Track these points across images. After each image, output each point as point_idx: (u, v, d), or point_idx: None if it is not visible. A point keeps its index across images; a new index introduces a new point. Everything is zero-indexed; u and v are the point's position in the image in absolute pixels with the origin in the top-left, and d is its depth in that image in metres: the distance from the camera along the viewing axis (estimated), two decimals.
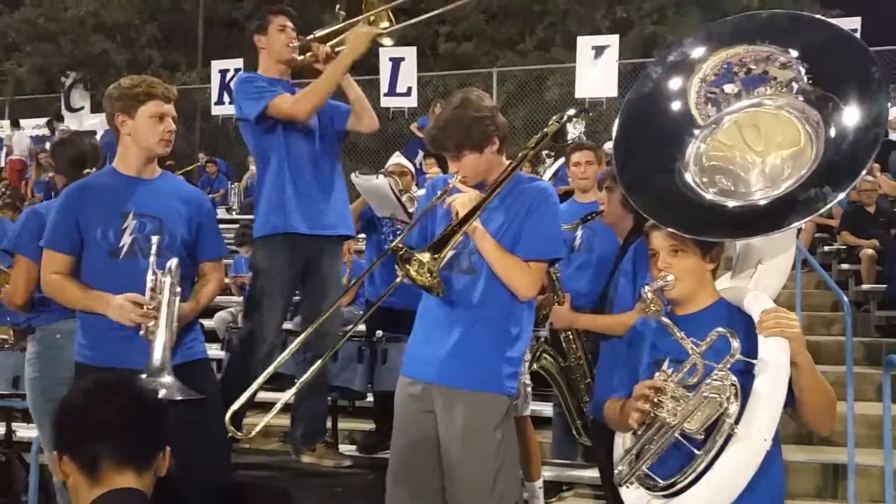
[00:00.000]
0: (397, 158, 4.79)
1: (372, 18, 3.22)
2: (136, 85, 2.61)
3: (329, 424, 4.02)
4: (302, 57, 3.24)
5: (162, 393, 2.35)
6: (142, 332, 2.50)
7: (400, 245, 2.35)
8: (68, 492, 1.46)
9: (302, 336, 2.61)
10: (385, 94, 11.22)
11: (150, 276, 2.51)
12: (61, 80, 15.46)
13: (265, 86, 3.12)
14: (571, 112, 2.84)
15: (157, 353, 2.44)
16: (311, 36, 3.27)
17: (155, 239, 2.55)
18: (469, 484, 2.43)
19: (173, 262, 2.53)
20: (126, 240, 2.58)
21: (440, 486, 2.48)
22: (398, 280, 2.45)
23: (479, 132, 2.50)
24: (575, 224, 3.31)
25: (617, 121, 2.27)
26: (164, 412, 1.53)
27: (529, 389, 3.41)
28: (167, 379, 2.43)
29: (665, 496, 1.86)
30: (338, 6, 3.43)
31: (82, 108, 14.86)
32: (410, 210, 3.69)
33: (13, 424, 4.52)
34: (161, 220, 2.62)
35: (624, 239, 2.89)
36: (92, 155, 3.36)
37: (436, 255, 2.29)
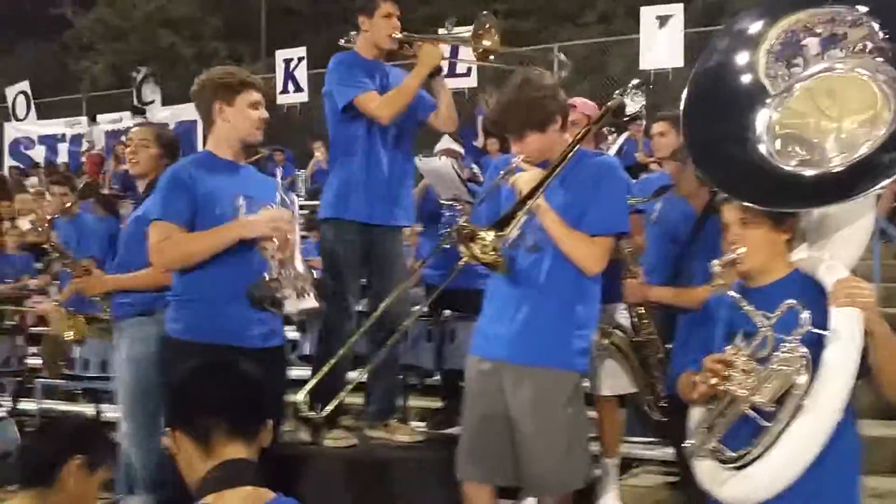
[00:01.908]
0: (446, 143, 4.83)
1: (481, 32, 3.24)
2: (231, 74, 2.72)
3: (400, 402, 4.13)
4: (400, 49, 3.30)
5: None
6: (266, 251, 2.53)
7: (464, 225, 2.39)
8: (179, 465, 1.55)
9: (373, 317, 2.72)
10: (445, 76, 11.17)
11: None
12: (132, 75, 16.00)
13: (359, 75, 3.20)
14: (632, 84, 2.82)
15: (299, 264, 2.53)
16: (418, 35, 3.31)
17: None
18: (540, 459, 2.47)
19: (296, 198, 2.70)
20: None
21: (513, 461, 2.53)
22: (463, 260, 2.49)
23: (540, 112, 2.51)
24: (647, 198, 3.27)
25: (684, 94, 2.24)
26: (264, 387, 1.62)
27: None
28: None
29: (736, 468, 1.86)
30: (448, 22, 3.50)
31: (153, 101, 15.33)
32: (473, 189, 3.73)
33: (102, 405, 4.79)
34: (263, 203, 2.67)
35: (701, 211, 2.86)
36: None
37: (500, 233, 2.31)
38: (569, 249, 2.48)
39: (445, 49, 3.32)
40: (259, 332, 2.66)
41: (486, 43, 3.24)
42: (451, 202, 3.25)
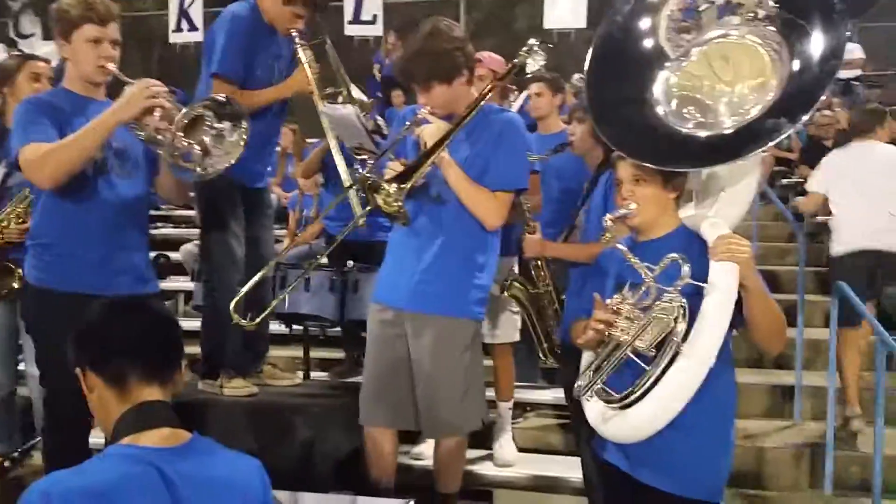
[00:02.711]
0: (354, 92, 4.77)
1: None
2: (73, 5, 2.45)
3: (301, 353, 4.13)
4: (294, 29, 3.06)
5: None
6: (152, 132, 2.33)
7: (367, 175, 2.40)
8: (91, 406, 1.51)
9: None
10: (349, 22, 10.89)
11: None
12: (9, 3, 14.75)
13: (239, 54, 2.95)
14: (535, 43, 2.87)
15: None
16: (320, 39, 3.17)
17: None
18: (439, 402, 2.56)
19: None
20: (97, 155, 2.44)
21: (414, 406, 2.61)
22: (366, 210, 2.51)
23: (448, 63, 2.52)
24: (545, 155, 3.37)
25: (588, 55, 2.31)
26: (179, 328, 1.58)
27: (518, 318, 3.49)
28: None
29: (620, 408, 1.98)
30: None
31: (33, 34, 14.22)
32: (377, 141, 3.72)
33: None
34: (123, 138, 2.51)
35: (595, 170, 2.97)
36: None
37: (402, 185, 2.35)
38: (470, 203, 2.53)
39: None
40: (126, 278, 2.53)
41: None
42: (356, 151, 3.21)
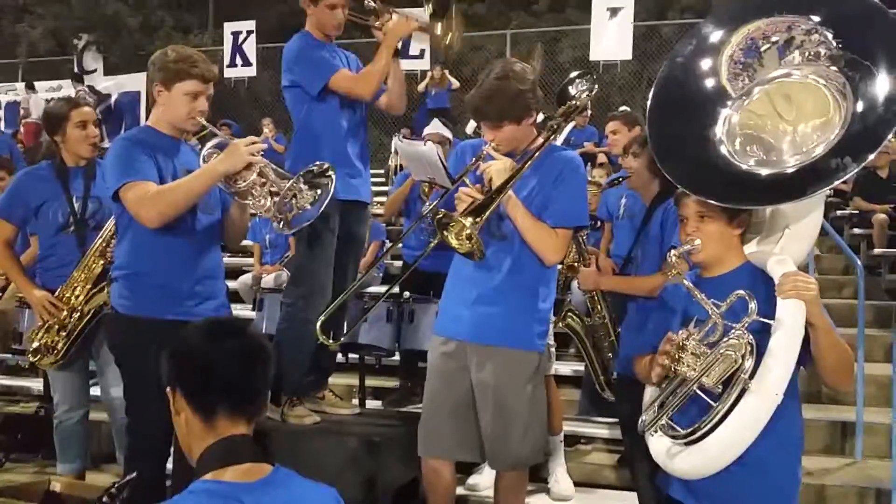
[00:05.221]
0: (436, 127, 4.89)
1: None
2: (180, 60, 2.63)
3: (356, 381, 4.20)
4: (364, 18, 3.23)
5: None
6: (250, 187, 2.54)
7: (441, 212, 2.46)
8: (177, 427, 1.53)
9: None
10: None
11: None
12: (73, 42, 15.42)
13: (324, 57, 3.14)
14: (579, 74, 2.94)
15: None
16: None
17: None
18: (503, 435, 2.58)
19: None
20: None
21: (476, 438, 2.64)
22: (434, 242, 2.58)
23: (521, 105, 2.59)
24: (602, 188, 3.41)
25: (651, 94, 2.35)
26: (271, 364, 1.57)
27: (553, 350, 3.54)
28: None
29: (686, 443, 1.99)
30: None
31: (95, 70, 14.83)
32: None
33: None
34: None
35: (650, 203, 3.00)
36: None
37: (476, 220, 2.39)
38: (531, 239, 2.58)
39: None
40: (210, 304, 2.67)
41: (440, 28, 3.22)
42: (426, 183, 3.25)
